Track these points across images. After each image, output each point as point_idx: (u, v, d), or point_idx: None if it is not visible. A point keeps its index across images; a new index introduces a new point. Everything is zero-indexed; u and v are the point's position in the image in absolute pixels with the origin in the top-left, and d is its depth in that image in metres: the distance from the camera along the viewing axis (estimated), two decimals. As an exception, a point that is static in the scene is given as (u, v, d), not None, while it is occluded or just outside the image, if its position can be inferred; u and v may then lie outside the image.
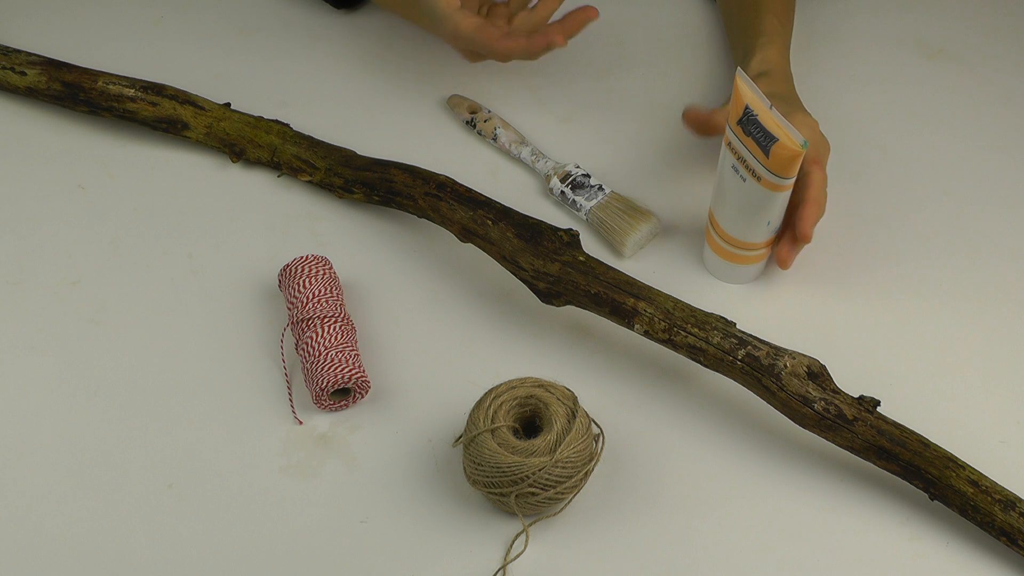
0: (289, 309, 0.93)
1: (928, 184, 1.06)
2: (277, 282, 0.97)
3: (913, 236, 1.02)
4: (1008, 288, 0.99)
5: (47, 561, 0.83)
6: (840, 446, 0.84)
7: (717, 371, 0.87)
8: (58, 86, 1.08)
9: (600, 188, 1.02)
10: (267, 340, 0.95)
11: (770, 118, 0.86)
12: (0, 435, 0.89)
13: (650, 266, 0.99)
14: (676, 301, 0.88)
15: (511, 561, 0.83)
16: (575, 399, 0.85)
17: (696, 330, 0.87)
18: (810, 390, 0.84)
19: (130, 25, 1.20)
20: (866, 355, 0.93)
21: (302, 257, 0.95)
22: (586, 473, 0.83)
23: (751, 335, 0.86)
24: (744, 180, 0.90)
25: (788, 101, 0.99)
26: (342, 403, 0.91)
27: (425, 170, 0.99)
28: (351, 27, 1.20)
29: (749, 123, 0.87)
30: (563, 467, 0.81)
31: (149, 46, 1.17)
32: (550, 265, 0.91)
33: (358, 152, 1.04)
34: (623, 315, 0.89)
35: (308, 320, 0.91)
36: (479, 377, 0.91)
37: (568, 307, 0.94)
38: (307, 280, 0.93)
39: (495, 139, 1.08)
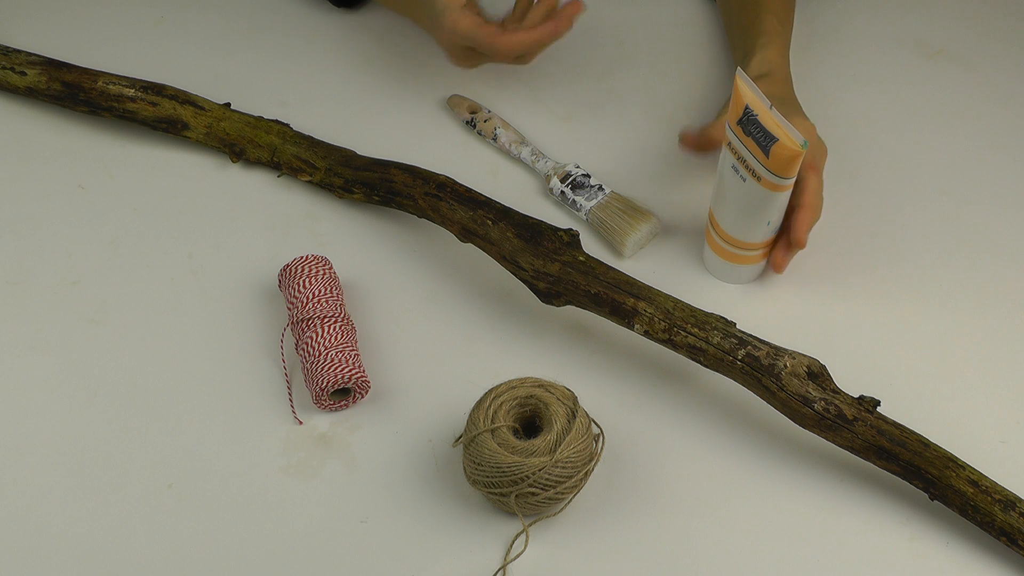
0: (289, 309, 0.93)
1: (928, 184, 1.06)
2: (277, 282, 0.97)
3: (913, 236, 1.02)
4: (1008, 288, 0.99)
5: (47, 561, 0.83)
6: (840, 446, 0.84)
7: (717, 371, 0.87)
8: (58, 86, 1.08)
9: (600, 188, 1.02)
10: (267, 340, 0.95)
11: (770, 118, 0.86)
12: (0, 435, 0.89)
13: (650, 266, 0.99)
14: (676, 301, 0.88)
15: (511, 561, 0.83)
16: (575, 399, 0.85)
17: (696, 330, 0.87)
18: (810, 390, 0.84)
19: (130, 25, 1.20)
20: (866, 355, 0.93)
21: (302, 257, 0.95)
22: (586, 473, 0.83)
23: (751, 335, 0.86)
24: (744, 180, 0.90)
25: (786, 104, 0.99)
26: (342, 403, 0.91)
27: (425, 170, 0.99)
28: (351, 27, 1.20)
29: (749, 123, 0.87)
30: (563, 467, 0.81)
31: (149, 46, 1.17)
32: (550, 265, 0.91)
33: (358, 152, 1.04)
34: (623, 315, 0.89)
35: (308, 320, 0.91)
36: (479, 377, 0.91)
37: (568, 307, 0.94)
38: (307, 280, 0.93)
39: (495, 139, 1.08)
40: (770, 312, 0.96)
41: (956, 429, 0.87)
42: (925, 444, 0.82)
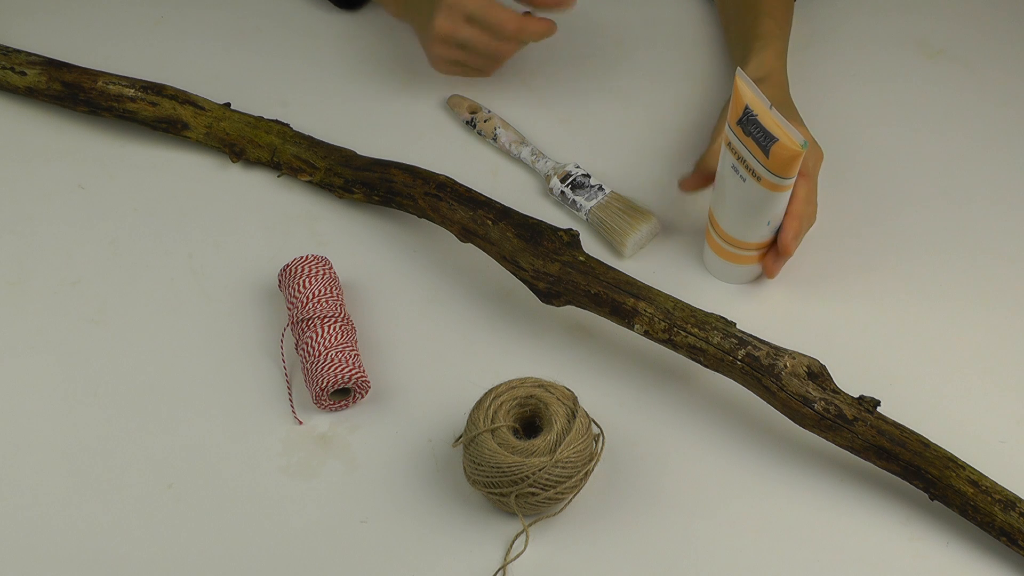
0: (289, 309, 0.93)
1: (928, 184, 1.06)
2: (277, 282, 0.97)
3: (913, 236, 1.02)
4: (1008, 288, 0.99)
5: (47, 561, 0.83)
6: (840, 446, 0.84)
7: (717, 371, 0.87)
8: (58, 86, 1.08)
9: (600, 188, 1.02)
10: (267, 340, 0.95)
11: (770, 118, 0.86)
12: (0, 435, 0.89)
13: (650, 266, 0.99)
14: (676, 301, 0.88)
15: (511, 561, 0.83)
16: (575, 399, 0.85)
17: (696, 330, 0.87)
18: (810, 390, 0.84)
19: (130, 25, 1.20)
20: (866, 355, 0.93)
21: (302, 257, 0.95)
22: (586, 473, 0.83)
23: (751, 335, 0.86)
24: (744, 180, 0.90)
25: (782, 108, 0.99)
26: (342, 403, 0.91)
27: (425, 170, 0.99)
28: (351, 27, 1.20)
29: (749, 123, 0.87)
30: (563, 467, 0.81)
31: (149, 46, 1.17)
32: (550, 265, 0.91)
33: (358, 152, 1.04)
34: (623, 315, 0.89)
35: (308, 320, 0.91)
36: (479, 377, 0.91)
37: (568, 307, 0.94)
38: (307, 280, 0.93)
39: (495, 139, 1.08)
40: (770, 312, 0.96)
41: (956, 429, 0.87)
42: (925, 444, 0.82)
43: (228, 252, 1.01)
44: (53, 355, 0.94)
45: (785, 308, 0.97)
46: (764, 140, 0.86)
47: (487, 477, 0.82)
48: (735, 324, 0.87)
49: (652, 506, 0.86)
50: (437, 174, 0.98)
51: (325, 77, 1.15)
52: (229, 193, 1.05)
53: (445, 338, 0.95)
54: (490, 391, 0.85)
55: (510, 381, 0.85)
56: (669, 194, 1.04)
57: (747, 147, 0.88)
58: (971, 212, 1.04)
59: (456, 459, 0.88)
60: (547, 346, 0.95)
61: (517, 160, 1.08)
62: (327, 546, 0.84)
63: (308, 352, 0.90)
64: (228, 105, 1.08)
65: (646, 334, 0.88)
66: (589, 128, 1.10)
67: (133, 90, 1.07)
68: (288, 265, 0.95)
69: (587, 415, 0.84)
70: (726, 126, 0.90)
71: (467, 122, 1.10)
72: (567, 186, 1.03)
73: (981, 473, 0.82)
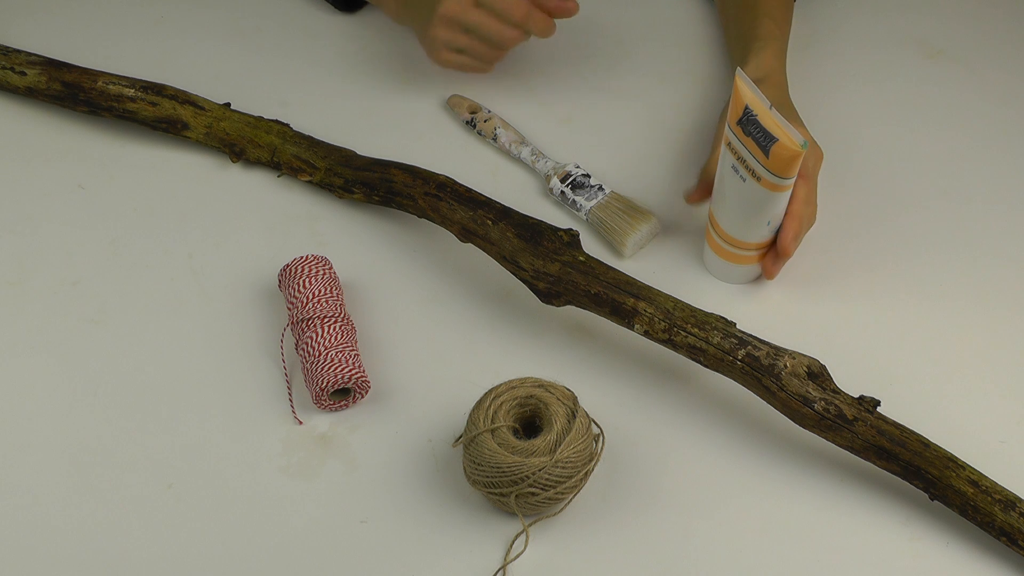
0: (289, 309, 0.93)
1: (928, 184, 1.06)
2: (277, 282, 0.97)
3: (913, 236, 1.02)
4: (1008, 288, 0.99)
5: (47, 561, 0.83)
6: (840, 446, 0.84)
7: (717, 371, 0.87)
8: (58, 86, 1.08)
9: (600, 188, 1.02)
10: (267, 340, 0.95)
11: (770, 118, 0.86)
12: (0, 435, 0.89)
13: (650, 266, 0.99)
14: (676, 301, 0.88)
15: (511, 561, 0.83)
16: (575, 399, 0.85)
17: (696, 330, 0.87)
18: (810, 390, 0.84)
19: (130, 25, 1.20)
20: (866, 355, 0.93)
21: (302, 257, 0.95)
22: (586, 473, 0.83)
23: (751, 335, 0.86)
24: (744, 180, 0.90)
25: (782, 109, 0.99)
26: (342, 403, 0.91)
27: (425, 170, 0.99)
28: (351, 27, 1.20)
29: (749, 123, 0.87)
30: (563, 467, 0.81)
31: (149, 46, 1.17)
32: (550, 265, 0.91)
33: (358, 152, 1.04)
34: (623, 315, 0.89)
35: (308, 320, 0.91)
36: (479, 377, 0.91)
37: (568, 307, 0.94)
38: (307, 280, 0.93)
39: (495, 139, 1.08)
40: (770, 312, 0.96)
41: (956, 429, 0.87)
42: (925, 444, 0.82)
43: (228, 252, 1.01)
44: (53, 355, 0.94)
45: (785, 308, 0.97)
46: (764, 140, 0.86)
47: (487, 477, 0.82)
48: (735, 324, 0.87)
49: (652, 506, 0.86)
50: (437, 174, 0.98)
51: (325, 77, 1.15)
52: (229, 193, 1.05)
53: (445, 338, 0.95)
54: (490, 391, 0.85)
55: (510, 381, 0.85)
56: (669, 194, 1.04)
57: (747, 147, 0.88)
58: (971, 212, 1.04)
59: (456, 459, 0.88)
60: (547, 346, 0.95)
61: (517, 160, 1.08)
62: (327, 546, 0.84)
63: (308, 352, 0.90)
64: (228, 105, 1.08)
65: (646, 334, 0.88)
66: (589, 128, 1.10)
67: (133, 90, 1.07)
68: (288, 265, 0.95)
69: (587, 415, 0.84)
70: (726, 126, 0.90)
71: (467, 122, 1.10)
72: (567, 186, 1.03)
73: (981, 473, 0.82)
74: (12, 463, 0.88)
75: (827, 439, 0.84)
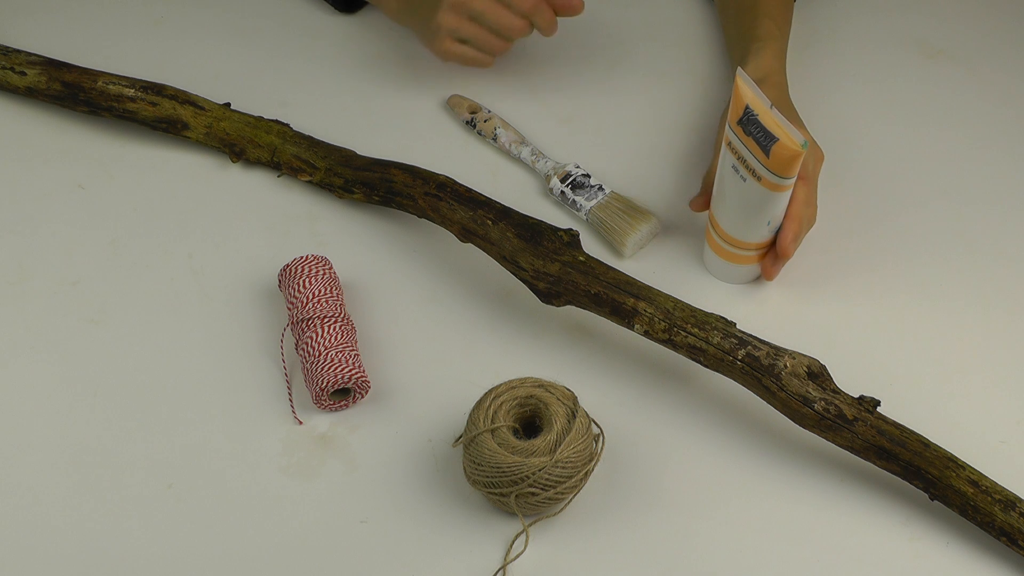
0: (289, 309, 0.93)
1: (928, 184, 1.06)
2: (277, 282, 0.97)
3: (913, 236, 1.02)
4: (1008, 288, 0.99)
5: (47, 561, 0.83)
6: (840, 446, 0.84)
7: (717, 371, 0.87)
8: (58, 86, 1.08)
9: (600, 188, 1.02)
10: (267, 340, 0.95)
11: (770, 118, 0.86)
12: (0, 435, 0.89)
13: (650, 266, 0.99)
14: (676, 301, 0.88)
15: (511, 561, 0.83)
16: (575, 399, 0.85)
17: (696, 330, 0.87)
18: (810, 390, 0.84)
19: (130, 25, 1.20)
20: (866, 355, 0.93)
21: (302, 257, 0.95)
22: (586, 473, 0.83)
23: (751, 335, 0.86)
24: (744, 180, 0.90)
25: (781, 109, 0.99)
26: (342, 403, 0.91)
27: (425, 170, 0.99)
28: (351, 27, 1.20)
29: (749, 123, 0.87)
30: (563, 467, 0.81)
31: (149, 46, 1.17)
32: (550, 265, 0.91)
33: (358, 152, 1.04)
34: (623, 315, 0.89)
35: (308, 320, 0.91)
36: (479, 377, 0.91)
37: (568, 307, 0.94)
38: (307, 280, 0.93)
39: (495, 139, 1.08)
40: (770, 312, 0.96)
41: (956, 429, 0.87)
42: (925, 444, 0.82)
43: (228, 252, 1.01)
44: (53, 355, 0.94)
45: (785, 308, 0.97)
46: (764, 140, 0.86)
47: (487, 477, 0.82)
48: (735, 324, 0.87)
49: (652, 506, 0.86)
50: (437, 174, 0.98)
51: (325, 77, 1.15)
52: (229, 193, 1.05)
53: (445, 338, 0.95)
54: (490, 391, 0.85)
55: (510, 381, 0.85)
56: (669, 194, 1.04)
57: (747, 147, 0.88)
58: (971, 212, 1.04)
59: (456, 459, 0.88)
60: (547, 346, 0.95)
61: (517, 160, 1.08)
62: (327, 546, 0.84)
63: (308, 352, 0.90)
64: (228, 105, 1.08)
65: (646, 334, 0.88)
66: (589, 128, 1.10)
67: (133, 90, 1.07)
68: (288, 265, 0.95)
69: (587, 415, 0.84)
70: (727, 126, 0.90)
71: (467, 122, 1.10)
72: (567, 186, 1.03)
73: (981, 473, 0.82)
74: (12, 463, 0.88)
75: (827, 439, 0.84)
